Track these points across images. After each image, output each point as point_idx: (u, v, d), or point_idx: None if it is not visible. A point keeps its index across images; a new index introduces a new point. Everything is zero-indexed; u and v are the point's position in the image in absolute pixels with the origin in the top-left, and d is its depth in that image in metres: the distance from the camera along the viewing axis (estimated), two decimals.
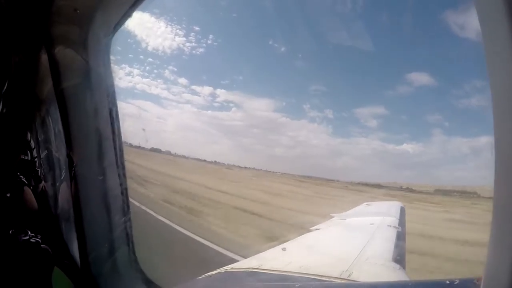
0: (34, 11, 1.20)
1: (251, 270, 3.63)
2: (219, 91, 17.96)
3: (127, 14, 1.60)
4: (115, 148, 1.73)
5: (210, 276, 3.43)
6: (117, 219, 1.76)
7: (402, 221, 5.33)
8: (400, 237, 4.66)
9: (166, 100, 17.30)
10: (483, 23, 0.67)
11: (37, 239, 1.56)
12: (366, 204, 6.94)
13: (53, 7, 1.41)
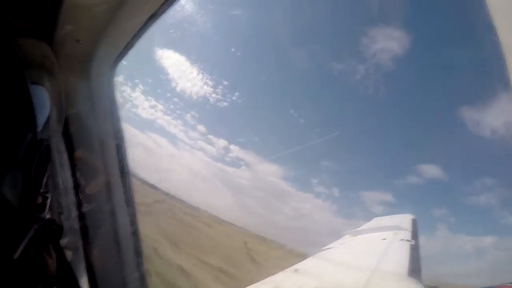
0: (36, 42, 1.17)
1: None
2: (233, 147, 18.41)
3: (130, 45, 1.58)
4: (124, 185, 1.68)
5: None
6: (128, 259, 1.70)
7: (415, 234, 5.21)
8: (414, 250, 4.54)
9: (181, 142, 17.73)
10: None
11: None
12: (377, 219, 6.82)
13: (55, 38, 1.37)
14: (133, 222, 1.74)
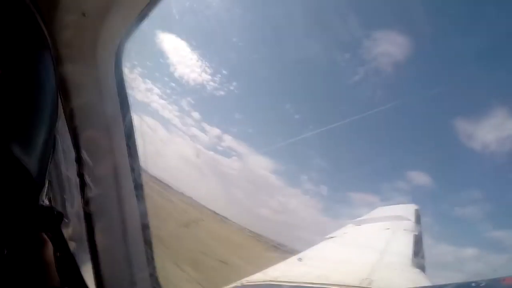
0: (39, 19, 1.04)
1: (268, 283, 3.60)
2: (226, 137, 18.47)
3: (140, 18, 1.46)
4: (132, 168, 1.59)
5: None
6: (136, 250, 1.64)
7: (418, 224, 5.23)
8: (418, 241, 4.56)
9: (174, 127, 17.64)
10: None
11: None
12: (380, 209, 6.83)
13: (59, 13, 1.28)
14: (142, 210, 1.67)
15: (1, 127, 0.78)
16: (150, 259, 1.70)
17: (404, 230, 4.95)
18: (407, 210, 5.87)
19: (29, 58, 0.90)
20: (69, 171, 1.59)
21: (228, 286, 3.61)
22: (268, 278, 3.70)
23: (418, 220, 5.42)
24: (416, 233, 4.79)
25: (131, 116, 1.66)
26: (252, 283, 3.60)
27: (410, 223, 5.24)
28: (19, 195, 0.84)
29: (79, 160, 1.54)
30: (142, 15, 1.45)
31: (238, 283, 3.58)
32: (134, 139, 1.66)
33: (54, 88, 0.97)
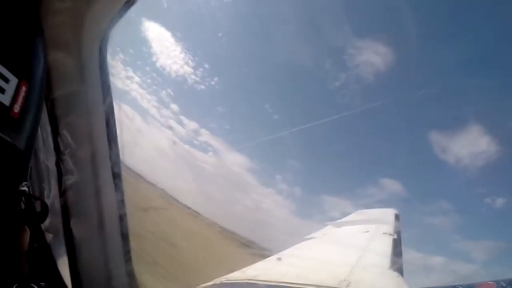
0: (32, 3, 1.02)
1: (247, 281, 3.56)
2: (203, 131, 18.26)
3: (128, 4, 1.44)
4: (111, 158, 1.55)
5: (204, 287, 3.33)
6: (114, 239, 1.59)
7: (397, 228, 5.32)
8: (396, 244, 4.64)
9: (152, 117, 17.30)
10: None
11: None
12: (360, 212, 6.91)
13: None
14: (120, 200, 1.64)
15: None
16: (126, 253, 1.66)
17: (384, 233, 5.02)
18: (387, 214, 5.97)
19: (23, 43, 0.87)
20: (48, 159, 1.55)
21: (205, 284, 3.46)
22: (246, 276, 3.64)
23: (397, 224, 5.51)
24: (395, 237, 4.87)
25: (112, 104, 1.61)
26: (230, 281, 3.55)
27: (390, 227, 5.32)
28: (8, 164, 0.80)
29: (57, 149, 1.49)
30: (130, 2, 1.40)
31: (216, 281, 3.48)
32: (114, 127, 1.62)
33: (43, 72, 0.94)
